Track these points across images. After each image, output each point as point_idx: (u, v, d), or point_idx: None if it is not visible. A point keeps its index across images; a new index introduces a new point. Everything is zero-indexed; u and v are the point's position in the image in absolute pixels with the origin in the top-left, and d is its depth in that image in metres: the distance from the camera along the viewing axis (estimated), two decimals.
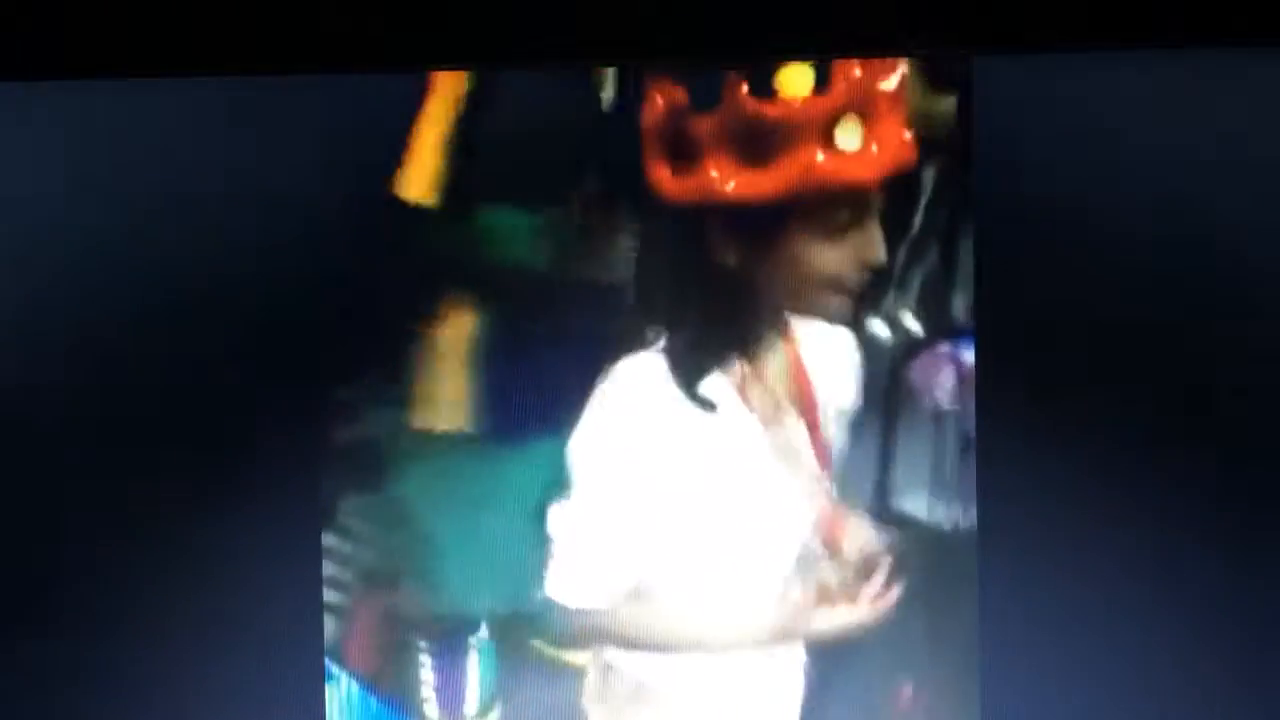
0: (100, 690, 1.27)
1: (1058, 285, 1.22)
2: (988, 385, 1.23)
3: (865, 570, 1.24)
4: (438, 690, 1.26)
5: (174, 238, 1.25)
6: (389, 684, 1.26)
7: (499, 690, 1.26)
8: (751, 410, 1.25)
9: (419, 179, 1.25)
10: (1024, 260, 1.22)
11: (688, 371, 1.25)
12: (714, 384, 1.25)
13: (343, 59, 1.23)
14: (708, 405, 1.25)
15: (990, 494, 1.23)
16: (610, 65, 1.23)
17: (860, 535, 1.24)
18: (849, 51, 1.21)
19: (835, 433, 1.25)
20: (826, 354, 1.25)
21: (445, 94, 1.24)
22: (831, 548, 1.25)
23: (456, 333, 1.25)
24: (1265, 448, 1.22)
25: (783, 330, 1.24)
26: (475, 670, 1.26)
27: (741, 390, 1.25)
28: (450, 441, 1.25)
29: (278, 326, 1.26)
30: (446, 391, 1.25)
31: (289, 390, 1.26)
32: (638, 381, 1.25)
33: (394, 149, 1.24)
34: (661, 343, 1.25)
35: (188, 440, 1.26)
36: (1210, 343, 1.22)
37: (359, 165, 1.24)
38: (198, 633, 1.26)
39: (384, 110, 1.24)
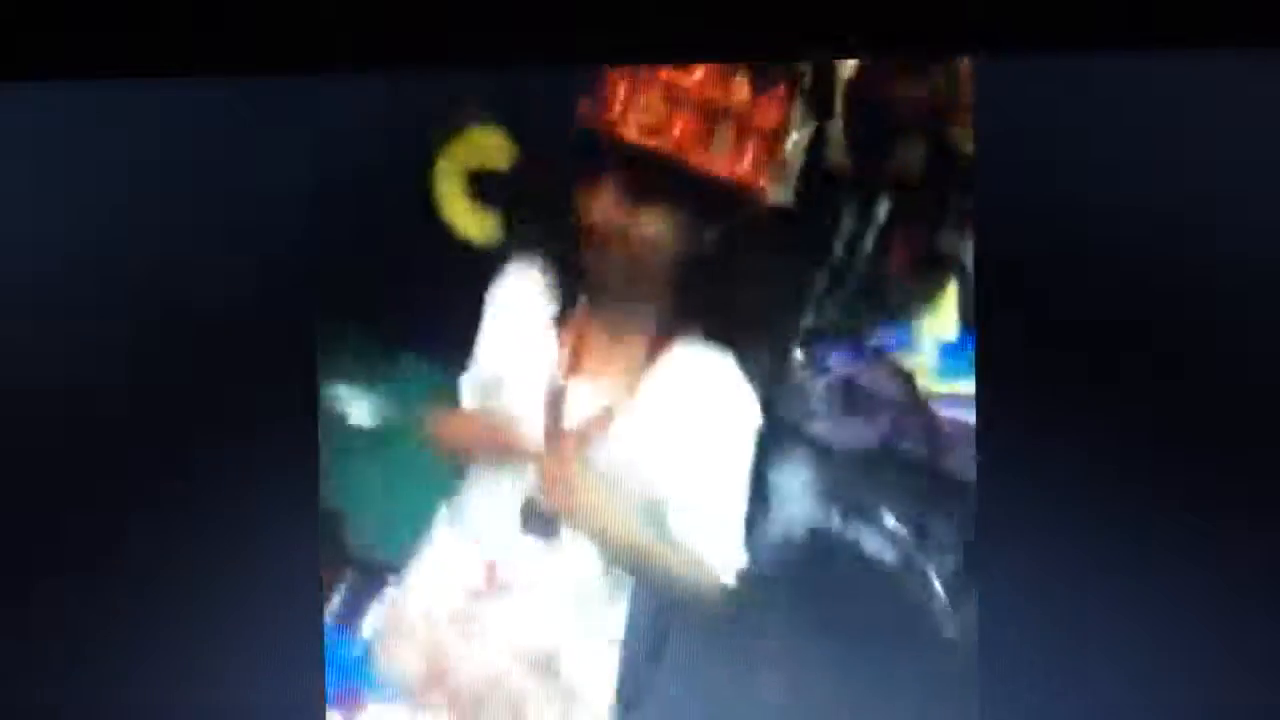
0: (97, 680, 1.28)
1: (1058, 287, 1.22)
2: (987, 385, 1.23)
3: None
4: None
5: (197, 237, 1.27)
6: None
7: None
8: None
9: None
10: (1025, 262, 1.23)
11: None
12: None
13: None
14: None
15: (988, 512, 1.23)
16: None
17: None
18: (849, 53, 1.22)
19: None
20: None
21: None
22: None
23: None
24: (1269, 457, 1.22)
25: None
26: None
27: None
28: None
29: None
30: None
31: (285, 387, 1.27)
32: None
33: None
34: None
35: (185, 442, 1.27)
36: (1213, 346, 1.22)
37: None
38: (196, 617, 1.28)
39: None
